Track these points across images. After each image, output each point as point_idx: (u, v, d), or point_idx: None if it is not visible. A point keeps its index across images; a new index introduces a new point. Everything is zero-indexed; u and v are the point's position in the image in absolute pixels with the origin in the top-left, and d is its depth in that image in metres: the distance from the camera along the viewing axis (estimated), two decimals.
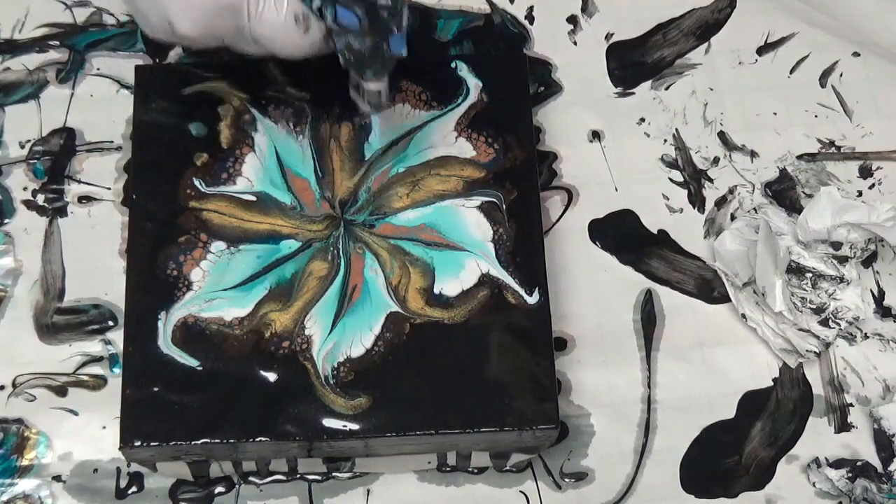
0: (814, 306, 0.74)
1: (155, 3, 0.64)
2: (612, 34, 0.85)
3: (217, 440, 0.65)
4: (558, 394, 0.71)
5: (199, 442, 0.65)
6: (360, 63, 0.66)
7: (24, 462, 0.72)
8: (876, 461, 0.74)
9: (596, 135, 0.82)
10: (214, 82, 0.73)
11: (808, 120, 0.83)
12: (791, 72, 0.84)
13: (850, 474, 0.73)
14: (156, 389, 0.66)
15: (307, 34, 0.64)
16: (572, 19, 0.85)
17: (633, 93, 0.83)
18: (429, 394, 0.66)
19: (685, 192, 0.81)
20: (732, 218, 0.80)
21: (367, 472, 0.73)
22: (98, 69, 0.82)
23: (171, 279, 0.68)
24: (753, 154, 0.82)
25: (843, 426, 0.75)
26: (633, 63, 0.84)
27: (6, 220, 0.78)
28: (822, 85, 0.84)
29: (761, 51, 0.85)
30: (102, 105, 0.81)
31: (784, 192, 0.81)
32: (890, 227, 0.74)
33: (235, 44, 0.66)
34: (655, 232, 0.80)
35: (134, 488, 0.72)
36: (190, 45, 0.68)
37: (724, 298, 0.77)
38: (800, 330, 0.75)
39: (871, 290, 0.78)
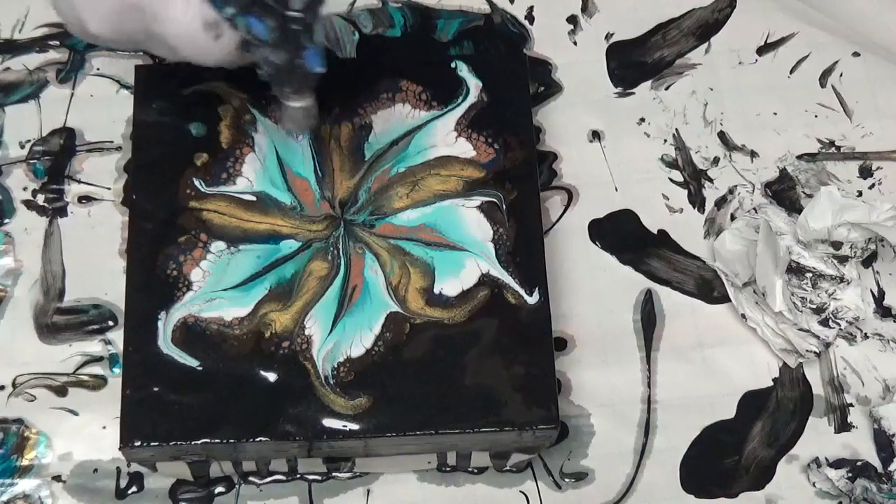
0: (814, 306, 0.74)
1: (68, 2, 0.63)
2: (612, 34, 0.85)
3: (217, 440, 0.65)
4: (558, 394, 0.71)
5: (199, 442, 0.65)
6: (278, 78, 0.65)
7: (24, 462, 0.72)
8: (876, 461, 0.74)
9: (596, 135, 0.82)
10: (214, 82, 0.73)
11: (808, 120, 0.83)
12: (791, 72, 0.84)
13: (850, 474, 0.73)
14: (156, 389, 0.66)
15: (218, 42, 0.63)
16: (572, 19, 0.85)
17: (633, 93, 0.83)
18: (429, 394, 0.66)
19: (685, 192, 0.81)
20: (732, 218, 0.80)
21: (367, 472, 0.73)
22: (98, 69, 0.82)
23: (171, 279, 0.68)
24: (753, 154, 0.82)
25: (843, 426, 0.75)
26: (633, 63, 0.84)
27: (6, 220, 0.78)
28: (822, 85, 0.84)
29: (761, 51, 0.85)
30: (102, 105, 0.81)
31: (784, 192, 0.81)
32: (890, 227, 0.74)
33: (150, 46, 0.65)
34: (655, 232, 0.80)
35: (134, 488, 0.72)
36: (109, 46, 0.66)
37: (724, 298, 0.77)
38: (800, 330, 0.75)
39: (871, 290, 0.78)
